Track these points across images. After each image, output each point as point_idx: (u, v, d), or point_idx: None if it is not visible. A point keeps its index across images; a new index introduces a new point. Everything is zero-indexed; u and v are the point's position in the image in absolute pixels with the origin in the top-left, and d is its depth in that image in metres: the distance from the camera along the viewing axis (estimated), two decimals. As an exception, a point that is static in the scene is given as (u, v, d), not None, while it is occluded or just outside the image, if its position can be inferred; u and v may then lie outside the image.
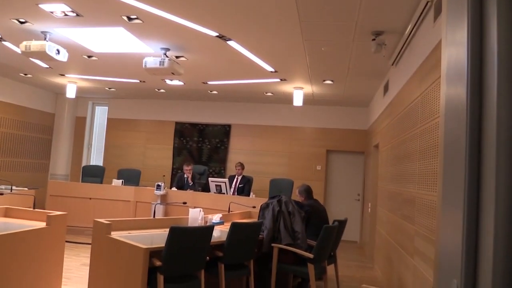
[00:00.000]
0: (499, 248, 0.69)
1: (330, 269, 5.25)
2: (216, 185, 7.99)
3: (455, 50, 0.99)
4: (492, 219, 0.71)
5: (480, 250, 0.75)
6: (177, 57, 6.34)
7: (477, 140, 0.82)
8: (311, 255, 4.50)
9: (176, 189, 8.31)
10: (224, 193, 7.91)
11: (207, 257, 3.90)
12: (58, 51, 5.62)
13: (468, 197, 0.79)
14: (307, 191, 5.54)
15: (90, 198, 8.27)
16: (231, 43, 5.49)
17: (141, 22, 4.93)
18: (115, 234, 3.93)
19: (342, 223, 5.36)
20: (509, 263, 0.69)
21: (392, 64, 5.69)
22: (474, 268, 0.76)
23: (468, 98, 0.85)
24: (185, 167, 8.47)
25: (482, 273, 0.74)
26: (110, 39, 5.83)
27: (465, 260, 0.77)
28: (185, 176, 8.47)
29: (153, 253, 3.55)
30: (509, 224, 0.70)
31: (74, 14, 4.84)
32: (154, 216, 4.97)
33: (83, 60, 6.97)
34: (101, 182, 9.03)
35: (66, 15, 4.88)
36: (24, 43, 5.40)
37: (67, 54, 5.80)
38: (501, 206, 0.70)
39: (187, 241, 3.63)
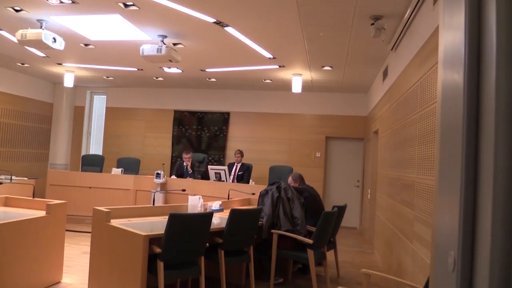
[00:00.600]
0: (497, 219, 0.69)
1: (330, 254, 5.28)
2: (215, 172, 8.00)
3: (452, 34, 0.97)
4: (491, 193, 0.70)
5: (477, 220, 0.75)
6: (174, 44, 6.30)
7: (474, 124, 0.81)
8: (310, 241, 4.52)
9: (175, 177, 8.32)
10: (223, 181, 7.92)
11: (207, 244, 3.92)
12: (55, 40, 5.57)
13: (465, 174, 0.78)
14: (301, 178, 5.63)
15: (90, 187, 8.29)
16: (229, 29, 5.45)
17: (137, 8, 4.88)
18: (114, 222, 3.94)
19: (341, 209, 5.38)
20: (508, 232, 0.69)
21: (392, 49, 5.66)
22: (472, 238, 0.76)
23: (465, 83, 0.83)
24: (184, 155, 8.47)
25: (480, 243, 0.74)
26: (106, 27, 5.78)
27: (462, 231, 0.77)
28: (185, 164, 8.48)
29: (153, 240, 3.57)
30: (507, 197, 0.70)
31: (70, 1, 4.79)
32: (153, 204, 4.98)
33: (80, 48, 6.93)
34: (100, 171, 9.04)
35: (61, 2, 4.82)
36: (20, 31, 5.36)
37: (63, 43, 5.75)
38: (499, 182, 0.70)
39: (186, 228, 3.65)
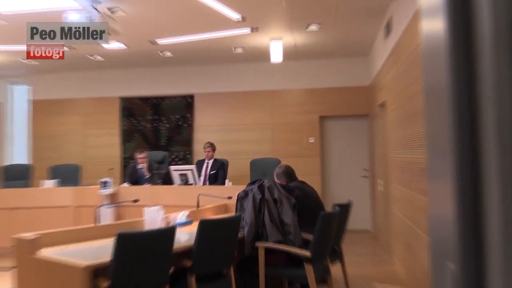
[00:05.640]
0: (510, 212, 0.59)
1: (336, 268, 5.23)
2: (180, 174, 7.89)
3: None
4: (499, 173, 0.60)
5: (483, 215, 0.66)
6: (110, 9, 6.14)
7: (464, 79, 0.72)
8: (307, 253, 4.46)
9: (129, 185, 8.19)
10: (191, 184, 7.82)
11: (171, 268, 3.82)
12: None
13: (456, 155, 0.68)
14: (287, 173, 5.46)
15: (13, 208, 8.04)
16: (180, -16, 5.31)
17: (53, -35, 4.70)
18: (47, 251, 3.81)
19: (344, 208, 5.34)
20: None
21: (394, -4, 5.60)
22: (475, 243, 0.67)
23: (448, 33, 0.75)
24: (138, 155, 8.34)
25: (489, 248, 0.64)
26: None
27: (459, 231, 0.68)
28: (139, 166, 8.35)
29: (99, 270, 3.45)
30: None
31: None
32: (98, 223, 4.86)
33: (-15, 25, 6.71)
34: (27, 186, 8.82)
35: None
36: None
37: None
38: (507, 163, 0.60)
39: (140, 251, 3.55)
